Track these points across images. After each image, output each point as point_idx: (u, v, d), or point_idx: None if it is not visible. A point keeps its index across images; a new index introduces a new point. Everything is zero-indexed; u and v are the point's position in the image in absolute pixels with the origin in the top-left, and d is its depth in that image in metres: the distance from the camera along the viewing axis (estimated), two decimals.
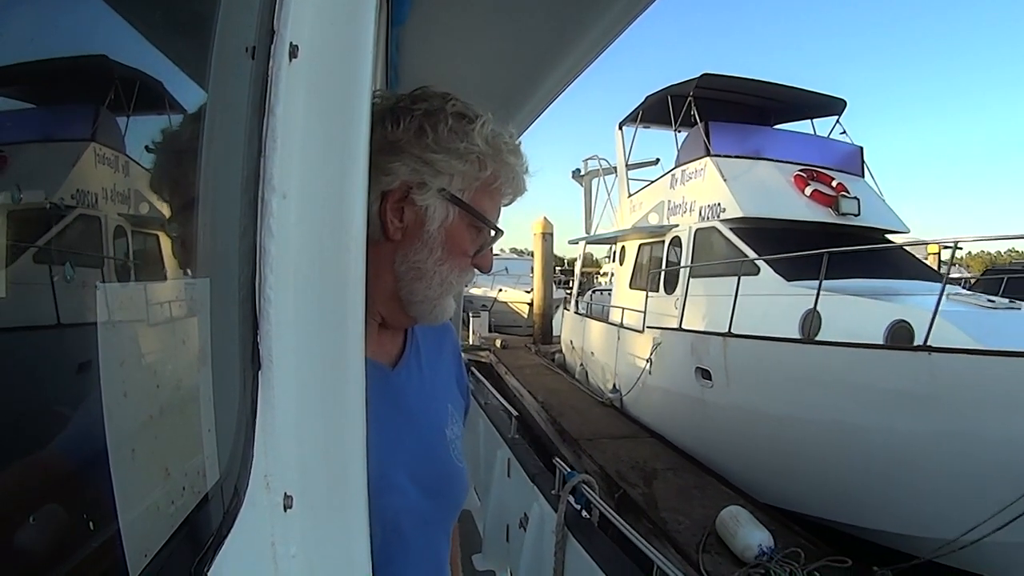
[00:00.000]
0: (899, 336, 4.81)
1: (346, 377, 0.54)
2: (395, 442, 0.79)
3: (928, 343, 4.14)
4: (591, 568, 2.32)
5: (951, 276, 4.91)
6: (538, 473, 3.17)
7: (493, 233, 0.82)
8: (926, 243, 7.62)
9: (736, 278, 5.89)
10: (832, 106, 8.71)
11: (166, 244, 0.45)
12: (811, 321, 5.21)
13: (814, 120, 8.85)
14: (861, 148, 8.30)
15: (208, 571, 0.40)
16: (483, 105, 0.82)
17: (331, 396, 0.53)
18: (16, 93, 0.30)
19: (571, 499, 2.56)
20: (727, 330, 5.74)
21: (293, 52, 0.49)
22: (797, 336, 5.37)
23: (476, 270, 0.84)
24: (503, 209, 0.85)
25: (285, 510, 0.50)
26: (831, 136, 8.60)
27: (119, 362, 0.36)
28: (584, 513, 2.59)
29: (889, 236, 7.39)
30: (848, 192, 7.26)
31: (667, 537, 4.45)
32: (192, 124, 0.46)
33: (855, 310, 5.20)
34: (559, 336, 12.66)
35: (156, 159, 0.42)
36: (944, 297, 4.28)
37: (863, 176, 8.07)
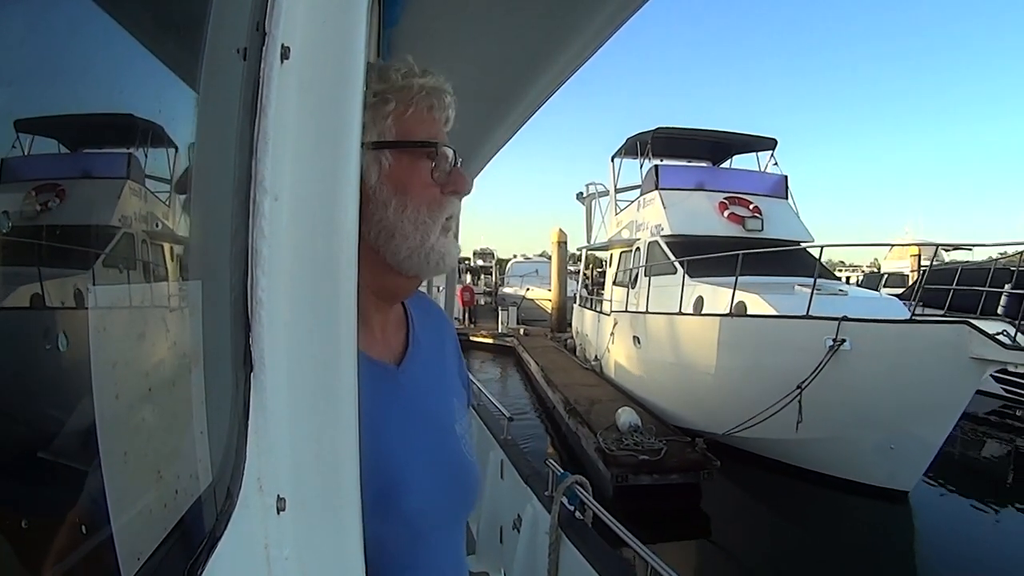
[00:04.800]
0: (739, 310, 7.61)
1: (339, 378, 0.54)
2: (410, 443, 0.77)
3: (732, 312, 7.41)
4: (585, 569, 2.32)
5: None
6: (531, 474, 3.17)
7: (444, 150, 0.76)
8: (795, 248, 9.44)
9: (666, 276, 9.51)
10: (767, 143, 11.74)
11: (158, 246, 0.45)
12: (682, 302, 8.56)
13: (759, 153, 11.94)
14: (786, 176, 11.17)
15: (201, 574, 0.40)
16: (475, 106, 0.82)
17: (324, 398, 0.53)
18: (66, 139, 0.36)
19: (564, 500, 2.56)
20: (645, 309, 9.45)
21: (285, 53, 0.49)
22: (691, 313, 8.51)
23: (455, 196, 0.78)
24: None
25: (278, 512, 0.50)
26: (767, 168, 11.67)
27: (111, 364, 0.36)
28: (577, 514, 2.59)
29: (803, 244, 9.91)
30: (760, 214, 10.18)
31: (587, 425, 7.31)
32: (183, 126, 0.45)
33: (723, 296, 7.79)
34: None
35: (148, 162, 0.42)
36: (794, 287, 7.40)
37: (787, 198, 10.92)
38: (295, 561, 0.51)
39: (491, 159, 3.05)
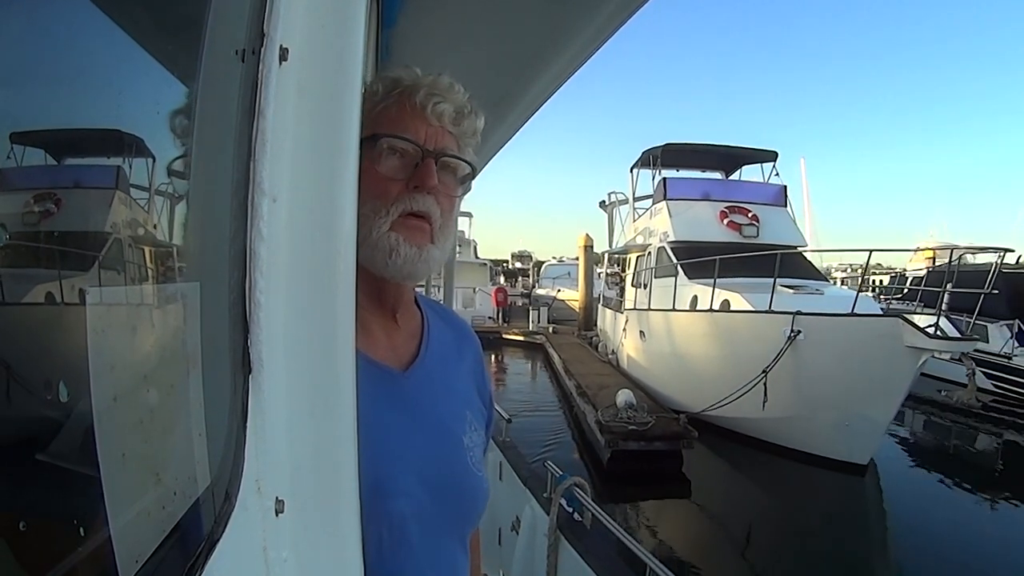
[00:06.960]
0: (724, 307, 8.88)
1: (337, 380, 0.53)
2: (404, 445, 0.76)
3: (713, 308, 8.80)
4: (584, 570, 2.32)
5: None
6: (530, 476, 3.17)
7: (397, 144, 0.76)
8: (776, 252, 9.78)
9: (670, 277, 10.63)
10: (768, 156, 13.21)
11: (156, 248, 0.45)
12: (675, 300, 10.04)
13: (763, 165, 13.41)
14: (785, 187, 12.52)
15: None
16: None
17: (322, 399, 0.53)
18: (57, 152, 0.36)
19: (563, 502, 2.56)
20: (648, 307, 11.19)
21: (283, 55, 0.49)
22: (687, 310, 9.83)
23: (418, 192, 0.77)
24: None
25: (277, 514, 0.50)
26: (769, 178, 13.16)
27: (109, 366, 0.36)
28: (576, 516, 2.59)
29: (799, 249, 11.11)
30: (758, 221, 11.38)
31: (592, 404, 8.68)
32: (182, 127, 0.45)
33: (711, 294, 8.87)
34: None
35: (146, 164, 0.42)
36: (773, 287, 7.99)
37: (785, 207, 12.14)
38: (294, 563, 0.51)
39: (491, 159, 3.04)
